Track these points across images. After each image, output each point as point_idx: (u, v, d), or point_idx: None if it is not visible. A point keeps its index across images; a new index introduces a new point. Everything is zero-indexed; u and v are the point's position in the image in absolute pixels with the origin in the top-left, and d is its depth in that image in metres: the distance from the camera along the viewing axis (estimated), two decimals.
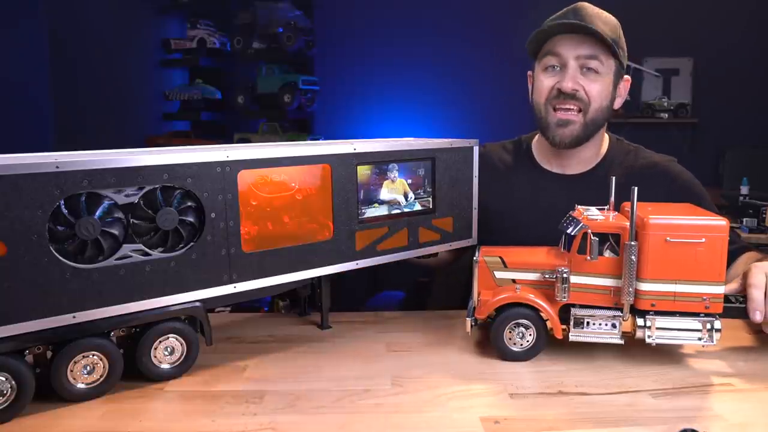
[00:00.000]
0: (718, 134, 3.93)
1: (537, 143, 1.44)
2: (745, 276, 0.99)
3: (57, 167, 0.76)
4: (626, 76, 1.35)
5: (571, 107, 1.28)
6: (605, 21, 1.27)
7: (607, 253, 0.94)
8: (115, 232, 0.83)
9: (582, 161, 1.38)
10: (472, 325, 0.99)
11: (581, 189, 1.25)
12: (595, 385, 0.89)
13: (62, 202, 0.78)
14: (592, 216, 0.96)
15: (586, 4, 1.29)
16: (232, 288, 0.93)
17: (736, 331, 1.10)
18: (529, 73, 1.39)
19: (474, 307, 1.00)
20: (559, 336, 0.97)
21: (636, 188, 0.89)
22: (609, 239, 0.94)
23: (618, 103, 1.35)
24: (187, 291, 0.89)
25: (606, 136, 1.42)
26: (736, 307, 0.97)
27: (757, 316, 0.95)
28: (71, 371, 0.82)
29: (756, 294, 0.96)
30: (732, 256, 1.16)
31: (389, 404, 0.84)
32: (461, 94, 4.02)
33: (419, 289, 1.92)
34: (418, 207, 1.14)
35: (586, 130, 1.30)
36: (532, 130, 1.45)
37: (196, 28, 4.11)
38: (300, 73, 4.01)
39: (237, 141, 3.94)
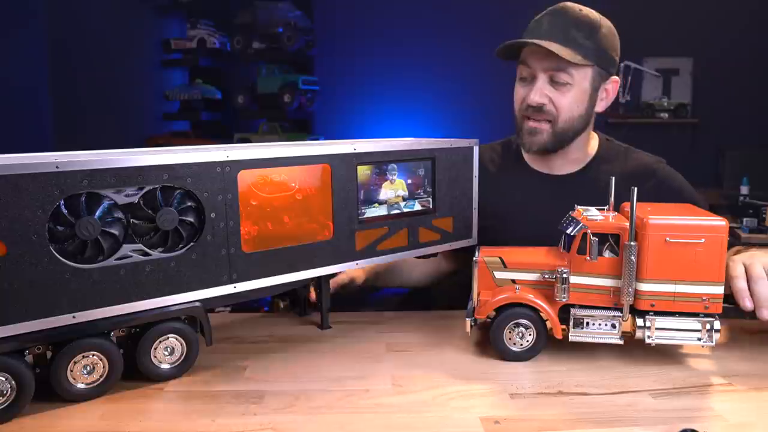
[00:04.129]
0: (718, 134, 3.94)
1: None
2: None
3: (57, 167, 0.76)
4: (613, 77, 1.32)
5: (540, 119, 1.29)
6: (582, 25, 1.24)
7: (607, 254, 0.94)
8: (115, 232, 0.83)
9: (569, 162, 1.38)
10: (471, 325, 0.99)
11: (570, 189, 1.24)
12: (595, 386, 0.89)
13: (62, 202, 0.78)
14: (592, 216, 0.96)
15: (568, 6, 1.27)
16: (232, 288, 0.93)
17: (736, 331, 1.10)
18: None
19: (474, 307, 1.00)
20: (559, 336, 0.97)
21: (636, 188, 0.89)
22: (608, 239, 0.94)
23: (602, 106, 1.33)
24: (187, 291, 0.89)
25: (595, 136, 1.41)
26: (735, 307, 0.97)
27: (747, 303, 0.96)
28: (71, 371, 0.82)
29: (740, 284, 0.97)
30: None
31: (389, 404, 0.84)
32: (461, 94, 4.02)
33: (419, 290, 1.92)
34: (418, 207, 1.14)
35: (554, 140, 1.31)
36: None
37: (196, 28, 4.11)
38: (300, 73, 4.02)
39: (237, 141, 3.95)
